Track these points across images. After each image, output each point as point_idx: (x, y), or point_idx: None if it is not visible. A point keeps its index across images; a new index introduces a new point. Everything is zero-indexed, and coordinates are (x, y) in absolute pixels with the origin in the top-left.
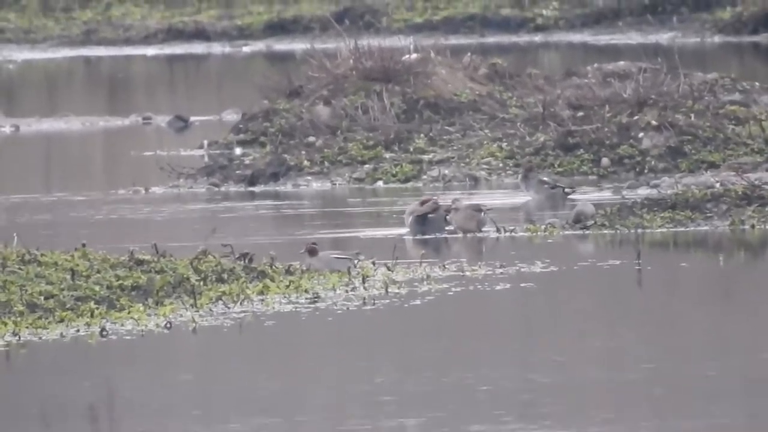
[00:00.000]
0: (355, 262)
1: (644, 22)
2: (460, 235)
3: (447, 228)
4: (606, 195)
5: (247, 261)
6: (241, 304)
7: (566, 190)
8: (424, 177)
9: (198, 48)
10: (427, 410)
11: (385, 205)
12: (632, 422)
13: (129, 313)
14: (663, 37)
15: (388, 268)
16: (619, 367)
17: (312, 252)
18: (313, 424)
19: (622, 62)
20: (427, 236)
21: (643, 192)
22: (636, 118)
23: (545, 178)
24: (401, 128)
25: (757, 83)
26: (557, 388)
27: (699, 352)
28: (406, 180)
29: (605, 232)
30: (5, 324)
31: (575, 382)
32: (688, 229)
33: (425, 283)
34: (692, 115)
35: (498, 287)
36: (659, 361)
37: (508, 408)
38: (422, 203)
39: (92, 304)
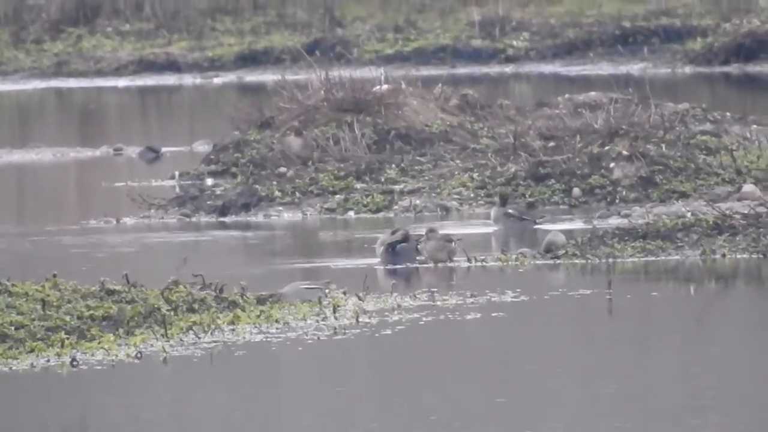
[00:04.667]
0: (326, 291)
1: (615, 52)
2: (431, 265)
3: (418, 258)
4: (577, 225)
5: (217, 291)
6: (211, 334)
7: (534, 220)
8: (396, 207)
9: (169, 79)
10: None
11: (357, 236)
12: None
13: (99, 343)
14: (634, 68)
15: (359, 298)
16: (591, 393)
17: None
18: None
19: (593, 93)
20: (398, 266)
21: (614, 222)
22: (607, 148)
23: (510, 210)
24: (372, 159)
25: (728, 113)
26: (533, 415)
27: (670, 380)
28: (378, 210)
29: (576, 261)
30: None
31: (552, 410)
32: (659, 258)
33: (396, 312)
34: (663, 146)
35: (469, 317)
36: (631, 388)
37: None
38: (393, 233)
39: (63, 335)
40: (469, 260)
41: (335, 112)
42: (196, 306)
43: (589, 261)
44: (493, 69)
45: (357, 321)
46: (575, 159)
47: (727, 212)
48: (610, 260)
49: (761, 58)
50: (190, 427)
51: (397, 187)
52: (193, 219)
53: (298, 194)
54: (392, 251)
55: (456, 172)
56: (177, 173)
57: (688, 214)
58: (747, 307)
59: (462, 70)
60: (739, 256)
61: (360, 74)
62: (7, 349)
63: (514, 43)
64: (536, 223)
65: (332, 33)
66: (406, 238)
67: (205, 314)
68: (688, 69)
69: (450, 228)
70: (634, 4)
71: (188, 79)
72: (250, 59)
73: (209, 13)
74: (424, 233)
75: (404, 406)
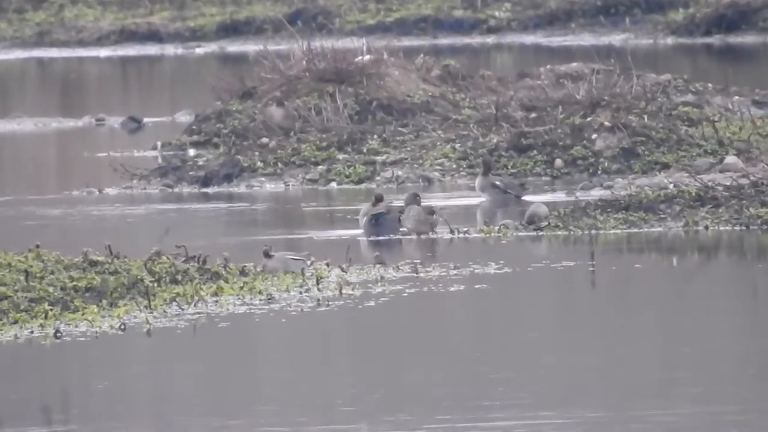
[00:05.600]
0: (308, 263)
1: (597, 23)
2: (414, 236)
3: (401, 229)
4: (559, 196)
5: (200, 262)
6: (195, 305)
7: (517, 195)
8: (378, 178)
9: (151, 49)
10: (382, 412)
11: (339, 206)
12: (585, 413)
13: (83, 314)
14: (616, 39)
15: (342, 270)
16: (573, 365)
17: (267, 254)
18: (269, 426)
19: (575, 64)
20: (381, 237)
21: (597, 193)
22: (589, 119)
23: (497, 182)
24: (354, 129)
25: (710, 84)
26: (514, 386)
27: (652, 352)
28: (360, 181)
29: (559, 233)
30: None
31: (533, 381)
32: (641, 230)
33: (379, 284)
34: (645, 117)
35: (452, 288)
36: (613, 359)
37: (463, 406)
38: (374, 204)
39: (46, 306)
40: (451, 232)
41: (317, 83)
42: (179, 277)
43: (572, 232)
44: (475, 39)
45: (340, 293)
46: (557, 130)
47: (710, 184)
48: (593, 232)
49: (743, 29)
50: (174, 399)
51: (379, 158)
52: (176, 189)
53: (280, 165)
54: (376, 223)
55: (438, 143)
56: (159, 144)
57: (671, 186)
58: (729, 279)
59: (444, 40)
60: (721, 228)
61: (342, 44)
62: None
63: (496, 13)
64: (519, 198)
65: (314, 3)
66: (389, 211)
67: (189, 285)
68: (669, 40)
69: (435, 199)
70: None
71: (170, 49)
72: (231, 29)
73: None
74: (406, 199)
75: (387, 378)
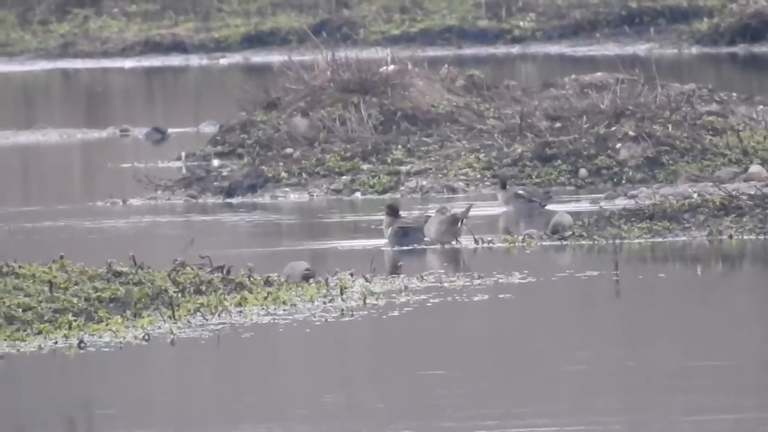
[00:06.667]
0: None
1: (621, 33)
2: (438, 246)
3: (425, 239)
4: (584, 206)
5: (224, 273)
6: (219, 315)
7: (542, 203)
8: (402, 188)
9: (175, 60)
10: (406, 421)
11: (363, 216)
12: (608, 421)
13: (107, 325)
14: (640, 48)
15: (366, 280)
16: (596, 375)
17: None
18: None
19: (599, 73)
20: (404, 247)
21: (621, 203)
22: (613, 128)
23: (521, 192)
24: (379, 140)
25: (734, 94)
26: (537, 395)
27: (675, 362)
28: (384, 191)
29: (583, 242)
30: None
31: (556, 391)
32: (665, 239)
33: (403, 294)
34: (670, 126)
35: (476, 298)
36: (636, 369)
37: (486, 416)
38: (389, 209)
39: (70, 316)
40: (475, 241)
41: (341, 93)
42: (203, 288)
43: (596, 242)
44: (500, 49)
45: (364, 303)
46: (581, 140)
47: (734, 193)
48: (617, 241)
49: (767, 39)
50: (197, 409)
51: (403, 168)
52: (200, 200)
53: (304, 175)
54: (403, 234)
55: (462, 153)
56: (183, 154)
57: (695, 195)
58: (753, 289)
59: (468, 50)
60: (745, 237)
61: (366, 55)
62: (15, 331)
63: (521, 23)
64: (543, 206)
65: (338, 14)
66: (416, 222)
67: (213, 296)
68: (694, 49)
69: (459, 209)
70: None
71: (194, 60)
72: (256, 40)
73: None
74: (436, 212)
75: (411, 387)
